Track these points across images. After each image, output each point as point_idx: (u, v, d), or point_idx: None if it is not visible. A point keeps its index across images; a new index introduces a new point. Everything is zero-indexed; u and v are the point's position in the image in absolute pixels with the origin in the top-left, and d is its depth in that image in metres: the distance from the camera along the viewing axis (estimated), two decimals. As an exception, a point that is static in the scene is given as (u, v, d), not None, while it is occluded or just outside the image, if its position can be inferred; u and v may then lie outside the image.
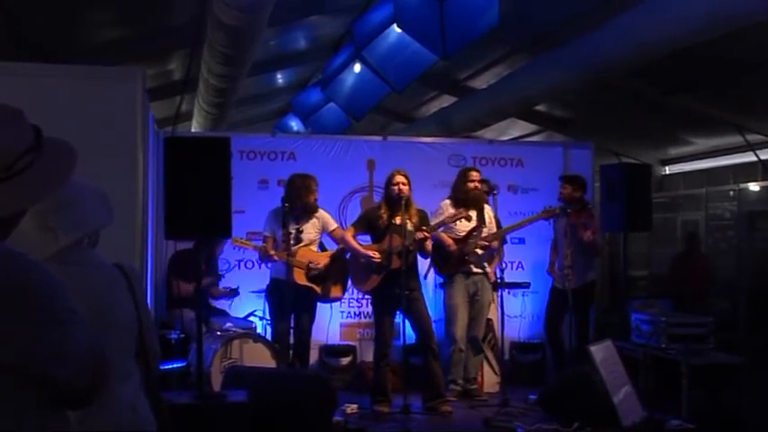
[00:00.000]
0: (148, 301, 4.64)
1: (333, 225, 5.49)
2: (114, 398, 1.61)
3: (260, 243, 5.44)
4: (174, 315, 5.42)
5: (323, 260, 5.40)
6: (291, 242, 5.26)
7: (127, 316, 1.71)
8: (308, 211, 5.30)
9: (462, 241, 5.55)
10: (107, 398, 1.57)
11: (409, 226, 5.21)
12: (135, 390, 1.71)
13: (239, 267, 6.16)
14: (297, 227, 5.26)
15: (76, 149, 1.33)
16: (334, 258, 5.45)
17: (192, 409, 3.63)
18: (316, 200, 5.36)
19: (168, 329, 5.25)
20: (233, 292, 5.77)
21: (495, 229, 5.66)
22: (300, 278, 5.26)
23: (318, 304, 5.57)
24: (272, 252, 5.26)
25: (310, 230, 5.34)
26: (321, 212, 5.46)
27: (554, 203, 6.11)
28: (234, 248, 5.77)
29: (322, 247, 5.58)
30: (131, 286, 1.74)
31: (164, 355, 4.73)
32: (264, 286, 5.51)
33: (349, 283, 5.59)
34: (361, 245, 5.41)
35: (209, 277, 5.55)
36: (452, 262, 5.56)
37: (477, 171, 5.70)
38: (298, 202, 5.25)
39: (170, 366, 4.85)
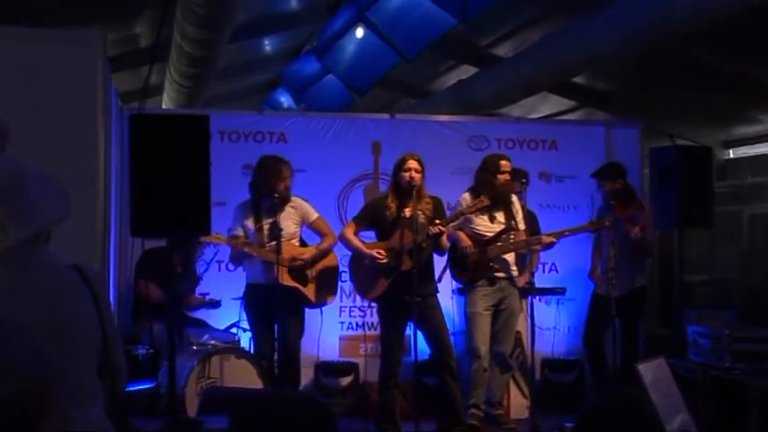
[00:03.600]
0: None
1: (313, 215, 5.49)
2: (72, 422, 1.61)
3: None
4: (142, 326, 5.43)
5: (307, 255, 5.40)
6: (266, 239, 5.25)
7: (87, 326, 1.71)
8: (282, 201, 5.29)
9: (488, 244, 5.51)
10: (64, 422, 1.57)
11: (421, 218, 5.19)
12: (97, 413, 1.71)
13: (219, 269, 6.15)
14: (271, 220, 5.24)
15: (6, 121, 1.31)
16: (321, 254, 5.44)
17: (163, 439, 3.63)
18: (287, 188, 5.34)
19: (135, 344, 5.25)
20: (214, 304, 5.76)
21: (524, 227, 5.60)
22: (284, 278, 5.25)
23: (307, 311, 5.54)
24: (248, 248, 5.23)
25: (287, 223, 5.33)
26: (298, 200, 5.45)
27: (595, 194, 6.09)
28: (213, 247, 5.76)
29: (302, 243, 5.57)
30: (93, 292, 1.73)
31: (129, 373, 4.75)
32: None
33: (340, 284, 5.62)
34: (364, 243, 5.40)
35: (184, 282, 5.56)
36: (473, 267, 5.53)
37: (508, 160, 5.57)
38: (266, 189, 5.24)
39: (137, 388, 4.86)
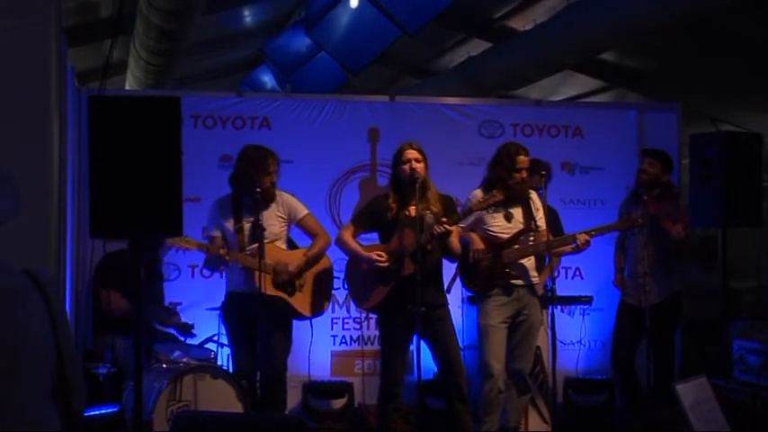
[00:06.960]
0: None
1: (302, 211, 5.49)
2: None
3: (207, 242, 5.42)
4: (104, 342, 5.44)
5: (295, 261, 5.40)
6: (246, 241, 5.25)
7: (39, 341, 1.70)
8: (265, 197, 5.30)
9: (504, 247, 5.49)
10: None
11: (429, 218, 5.18)
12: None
13: (193, 275, 6.15)
14: (253, 218, 5.25)
15: None
16: (311, 261, 5.45)
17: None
18: (273, 184, 5.36)
19: (95, 361, 5.26)
20: (186, 329, 5.74)
21: (545, 227, 5.58)
22: (268, 286, 5.26)
23: (295, 323, 5.53)
24: (223, 252, 5.22)
25: (271, 221, 5.33)
26: (284, 196, 5.46)
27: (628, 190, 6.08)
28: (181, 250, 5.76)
29: (291, 244, 5.57)
30: (47, 301, 1.72)
31: (89, 396, 4.75)
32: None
33: (333, 292, 5.64)
34: (362, 246, 5.41)
35: (152, 290, 5.55)
36: (487, 274, 5.52)
37: (526, 153, 5.50)
38: (247, 183, 5.26)
39: (98, 412, 4.86)
